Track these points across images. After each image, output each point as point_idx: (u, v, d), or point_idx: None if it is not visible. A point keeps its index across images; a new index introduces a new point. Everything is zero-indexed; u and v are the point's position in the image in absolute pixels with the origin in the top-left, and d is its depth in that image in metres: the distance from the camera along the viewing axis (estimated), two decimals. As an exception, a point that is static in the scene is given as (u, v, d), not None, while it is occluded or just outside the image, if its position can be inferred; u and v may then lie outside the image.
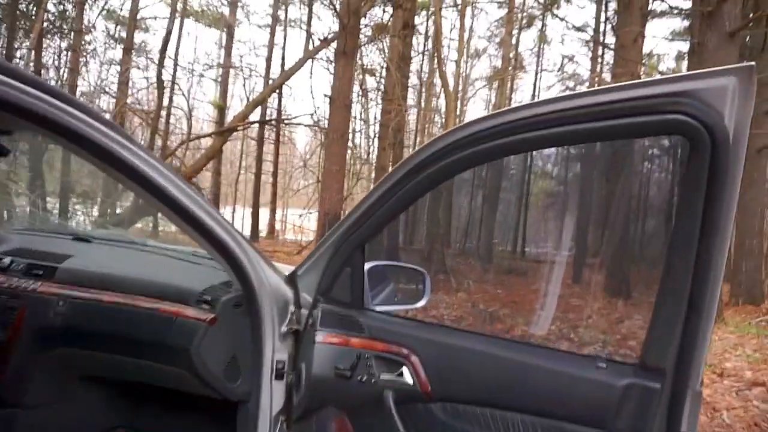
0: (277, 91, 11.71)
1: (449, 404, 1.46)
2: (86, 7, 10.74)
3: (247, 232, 16.23)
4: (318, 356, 1.53)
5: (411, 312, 2.17)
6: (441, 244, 9.65)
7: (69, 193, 8.04)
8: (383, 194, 1.45)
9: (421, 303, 1.87)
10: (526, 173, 10.75)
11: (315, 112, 9.88)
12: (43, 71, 10.42)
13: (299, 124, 10.82)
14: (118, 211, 8.41)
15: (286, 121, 11.69)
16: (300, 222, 10.67)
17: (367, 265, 1.63)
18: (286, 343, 1.58)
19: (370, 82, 13.02)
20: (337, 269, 1.59)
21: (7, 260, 1.98)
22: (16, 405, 1.88)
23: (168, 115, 11.69)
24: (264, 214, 17.51)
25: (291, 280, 1.64)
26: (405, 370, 1.48)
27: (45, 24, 9.85)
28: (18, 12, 9.98)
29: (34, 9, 9.89)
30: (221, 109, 13.77)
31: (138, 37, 12.08)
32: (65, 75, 10.46)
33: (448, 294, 7.72)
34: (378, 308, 1.65)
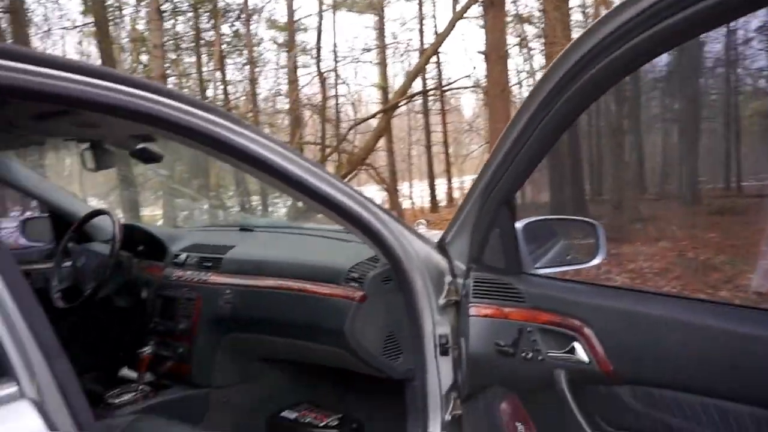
0: (434, 59, 11.58)
1: (641, 388, 1.16)
2: (252, 23, 11.78)
3: (426, 203, 16.56)
4: (475, 330, 1.39)
5: (583, 274, 1.86)
6: (634, 190, 8.69)
7: (234, 188, 8.97)
8: (525, 125, 1.19)
9: (596, 261, 1.57)
10: (731, 95, 9.10)
11: (472, 72, 9.49)
12: (230, 86, 11.78)
13: (459, 88, 10.56)
14: (277, 200, 9.12)
15: (444, 88, 11.51)
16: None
17: (519, 223, 1.41)
18: (446, 316, 1.46)
19: (530, 30, 12.17)
20: (484, 231, 1.41)
21: (183, 256, 2.17)
22: (208, 385, 2.06)
23: (336, 104, 12.32)
24: (441, 183, 17.67)
25: (441, 248, 1.51)
26: (577, 345, 1.23)
27: (223, 46, 10.99)
28: (201, 41, 11.39)
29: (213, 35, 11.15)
30: (383, 89, 14.07)
31: (299, 37, 12.89)
32: (246, 86, 11.66)
33: (647, 244, 6.89)
34: (540, 272, 1.43)
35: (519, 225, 1.42)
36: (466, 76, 9.71)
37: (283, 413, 2.10)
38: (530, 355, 1.29)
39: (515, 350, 1.31)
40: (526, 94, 1.32)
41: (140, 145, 1.77)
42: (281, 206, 8.79)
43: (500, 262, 1.41)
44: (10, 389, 0.69)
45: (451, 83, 10.87)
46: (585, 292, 1.29)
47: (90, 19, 10.28)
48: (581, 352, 1.22)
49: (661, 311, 1.13)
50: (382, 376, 1.78)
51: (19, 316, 0.72)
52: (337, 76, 11.82)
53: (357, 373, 1.88)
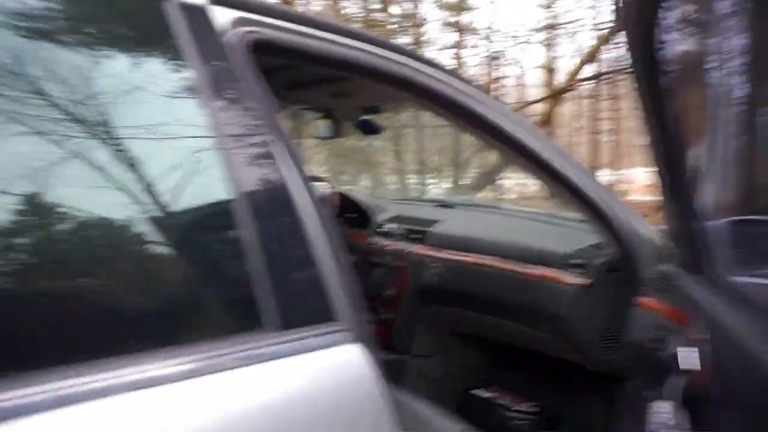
0: (610, 41, 10.73)
1: None
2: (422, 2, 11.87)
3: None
4: (635, 321, 1.38)
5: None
6: None
7: (424, 166, 9.08)
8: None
9: None
10: None
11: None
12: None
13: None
14: (466, 181, 9.09)
15: (624, 72, 10.61)
16: (652, 179, 9.56)
17: (721, 221, 1.24)
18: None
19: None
20: (676, 224, 1.28)
21: (389, 226, 2.25)
22: (406, 352, 2.12)
23: (500, 86, 12.05)
24: (604, 175, 16.50)
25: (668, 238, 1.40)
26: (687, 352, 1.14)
27: (394, 26, 11.24)
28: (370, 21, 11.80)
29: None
30: (550, 71, 13.39)
31: (468, 17, 12.74)
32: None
33: None
34: (736, 279, 1.24)
35: (719, 223, 1.24)
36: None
37: (475, 390, 2.10)
38: (662, 354, 1.22)
39: (655, 346, 1.25)
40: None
41: (364, 117, 1.87)
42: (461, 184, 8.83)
43: (686, 260, 1.28)
44: (342, 333, 0.74)
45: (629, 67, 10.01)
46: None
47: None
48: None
49: None
50: (591, 368, 1.70)
51: (335, 266, 0.78)
52: (503, 57, 11.52)
53: (556, 361, 1.82)
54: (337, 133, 1.82)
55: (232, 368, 0.64)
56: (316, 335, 0.72)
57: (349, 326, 0.75)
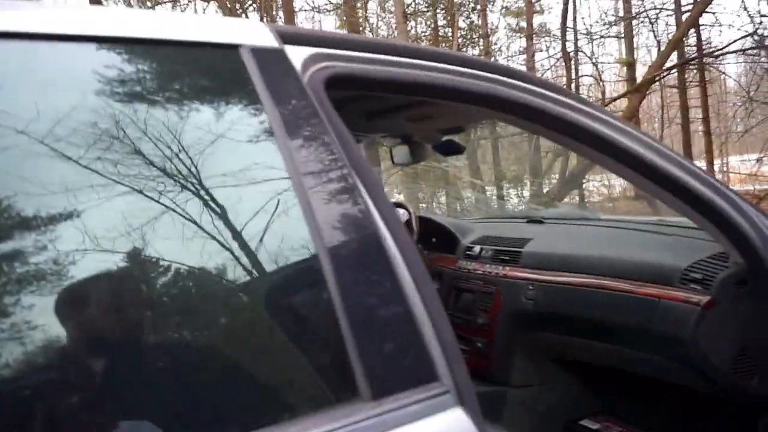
0: (695, 26, 10.01)
1: None
2: (488, 11, 11.68)
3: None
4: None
5: None
6: None
7: (502, 177, 8.83)
8: None
9: None
10: None
11: (756, 31, 7.87)
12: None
13: (737, 51, 8.84)
14: (545, 189, 8.75)
15: (716, 53, 9.83)
16: (755, 168, 8.76)
17: None
18: None
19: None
20: None
21: (477, 248, 2.14)
22: (505, 383, 1.99)
23: (577, 86, 11.56)
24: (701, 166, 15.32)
25: None
26: None
27: (459, 39, 11.15)
28: (439, 38, 11.75)
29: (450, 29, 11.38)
30: (630, 64, 12.71)
31: (537, 20, 12.39)
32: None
33: None
34: None
35: None
36: (750, 35, 8.06)
37: (582, 421, 1.93)
38: None
39: None
40: None
41: (445, 138, 1.78)
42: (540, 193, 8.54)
43: None
44: (444, 396, 0.66)
45: (722, 49, 9.23)
46: None
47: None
48: None
49: None
50: (722, 397, 1.50)
51: (430, 315, 0.69)
52: (579, 54, 11.05)
53: (675, 386, 1.63)
54: (416, 157, 1.75)
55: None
56: (416, 402, 0.63)
57: (450, 387, 0.66)
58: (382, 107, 1.39)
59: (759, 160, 8.19)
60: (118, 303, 0.62)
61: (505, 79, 1.01)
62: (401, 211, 2.30)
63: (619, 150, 1.15)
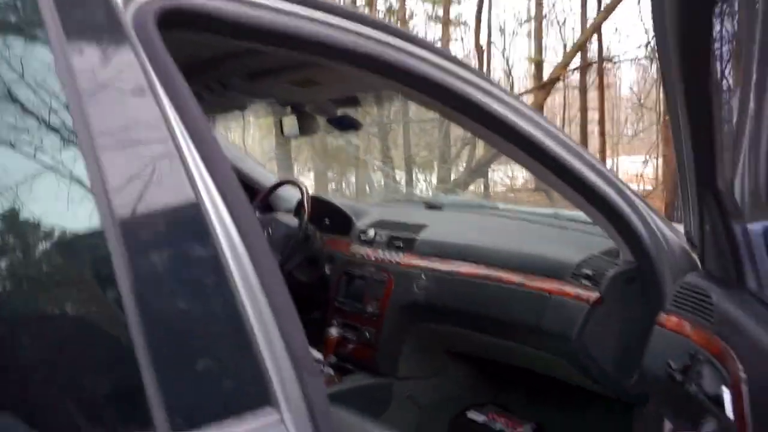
0: (597, 32, 10.58)
1: None
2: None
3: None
4: (654, 343, 1.17)
5: None
6: None
7: (411, 162, 8.86)
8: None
9: None
10: None
11: (648, 43, 8.44)
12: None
13: (633, 59, 9.46)
14: (453, 176, 8.89)
15: (615, 60, 10.45)
16: (640, 170, 9.43)
17: (756, 225, 1.04)
18: None
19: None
20: (698, 227, 1.09)
21: (371, 232, 2.01)
22: (393, 375, 1.90)
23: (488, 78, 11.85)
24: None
25: (691, 243, 1.21)
26: (726, 394, 0.93)
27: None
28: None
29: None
30: (538, 63, 13.23)
31: (454, 10, 12.50)
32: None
33: None
34: None
35: (756, 227, 1.06)
36: (645, 44, 8.61)
37: (469, 413, 1.89)
38: (693, 389, 1.01)
39: (684, 379, 1.03)
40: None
41: (341, 112, 1.63)
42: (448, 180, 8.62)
43: (721, 269, 1.08)
44: (272, 418, 0.50)
45: (620, 56, 9.84)
46: None
47: None
48: (727, 405, 0.93)
49: None
50: (600, 393, 1.49)
51: (273, 323, 0.53)
52: (491, 48, 11.30)
53: (555, 378, 1.63)
54: (306, 130, 1.57)
55: None
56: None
57: (287, 413, 0.50)
58: (264, 67, 1.21)
59: (645, 162, 8.82)
60: None
61: (398, 43, 0.87)
62: (293, 188, 2.13)
63: (519, 135, 1.06)
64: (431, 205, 2.14)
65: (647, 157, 8.93)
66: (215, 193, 0.54)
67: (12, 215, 0.47)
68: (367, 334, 1.88)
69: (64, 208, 0.48)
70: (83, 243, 0.47)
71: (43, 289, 0.49)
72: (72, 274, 0.50)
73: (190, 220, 0.51)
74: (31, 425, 0.44)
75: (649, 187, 9.27)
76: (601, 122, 15.53)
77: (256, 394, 0.49)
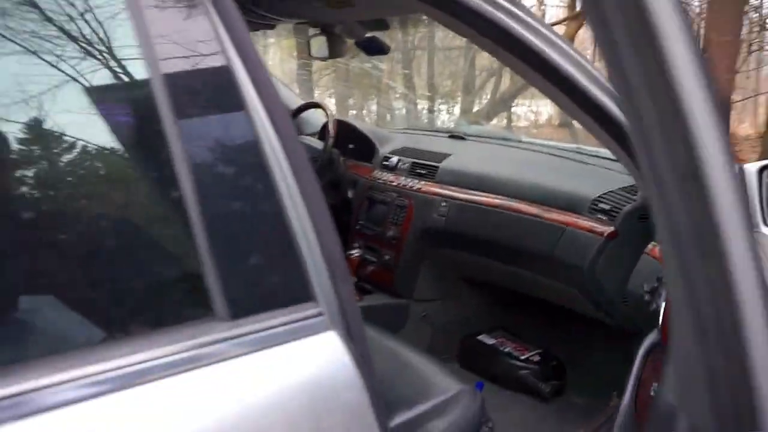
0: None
1: None
2: None
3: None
4: (637, 269, 1.29)
5: None
6: None
7: (434, 91, 8.69)
8: None
9: None
10: None
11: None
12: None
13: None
14: (476, 108, 8.72)
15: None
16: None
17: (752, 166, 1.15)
18: None
19: None
20: None
21: (394, 159, 2.04)
22: (409, 296, 1.99)
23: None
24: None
25: None
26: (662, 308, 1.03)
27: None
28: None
29: None
30: (574, -10, 12.55)
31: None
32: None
33: None
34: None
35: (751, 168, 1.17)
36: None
37: (479, 336, 1.99)
38: (654, 307, 1.08)
39: (650, 299, 1.11)
40: None
41: (369, 34, 1.61)
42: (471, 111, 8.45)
43: None
44: (316, 318, 0.57)
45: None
46: None
47: None
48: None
49: None
50: (609, 324, 1.56)
51: (312, 231, 0.59)
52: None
53: (563, 307, 1.70)
54: (334, 52, 1.57)
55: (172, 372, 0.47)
56: (282, 324, 0.54)
57: (326, 309, 0.57)
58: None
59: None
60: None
61: None
62: (319, 112, 2.15)
63: (548, 66, 1.06)
64: (454, 135, 2.15)
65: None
66: (262, 111, 0.58)
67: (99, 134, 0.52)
68: (387, 257, 1.96)
69: (139, 131, 0.53)
70: (160, 158, 0.52)
71: (126, 192, 0.55)
72: (148, 182, 0.55)
73: (242, 135, 0.56)
74: (115, 305, 0.51)
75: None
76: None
77: (300, 291, 0.55)
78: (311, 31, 1.67)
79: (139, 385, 0.46)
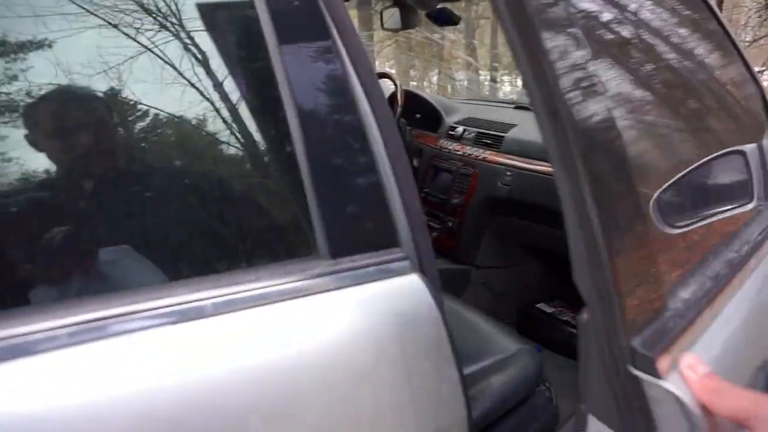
0: None
1: None
2: None
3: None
4: None
5: None
6: None
7: (497, 62, 8.51)
8: None
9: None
10: None
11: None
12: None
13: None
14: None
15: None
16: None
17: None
18: None
19: None
20: None
21: (460, 129, 2.09)
22: (471, 263, 2.05)
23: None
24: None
25: None
26: None
27: None
28: None
29: None
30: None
31: None
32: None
33: None
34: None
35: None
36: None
37: (538, 304, 2.03)
38: None
39: None
40: None
41: (440, 5, 1.65)
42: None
43: None
44: (402, 261, 0.65)
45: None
46: None
47: None
48: None
49: None
50: None
51: (396, 189, 0.67)
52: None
53: None
54: (406, 23, 1.62)
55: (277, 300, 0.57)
56: (374, 264, 0.62)
57: (410, 254, 0.65)
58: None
59: (761, 72, 7.96)
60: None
61: None
62: (387, 82, 2.21)
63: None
64: (520, 106, 2.16)
65: (764, 66, 8.04)
66: (357, 83, 0.66)
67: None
68: (450, 224, 2.02)
69: (259, 92, 0.63)
70: (274, 117, 0.62)
71: (242, 149, 0.65)
72: (267, 137, 0.65)
73: (345, 104, 0.64)
74: (233, 246, 0.62)
75: None
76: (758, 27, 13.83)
77: (388, 237, 0.64)
78: (383, 2, 1.72)
79: (258, 307, 0.56)
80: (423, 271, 0.66)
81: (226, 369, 0.52)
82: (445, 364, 0.63)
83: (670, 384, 0.52)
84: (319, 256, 0.61)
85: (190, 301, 0.53)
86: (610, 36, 0.79)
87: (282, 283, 0.58)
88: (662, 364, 0.54)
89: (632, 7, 0.97)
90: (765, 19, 8.66)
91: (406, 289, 0.63)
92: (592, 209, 0.53)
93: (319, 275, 0.59)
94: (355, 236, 0.62)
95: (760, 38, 8.90)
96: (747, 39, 9.80)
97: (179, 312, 0.52)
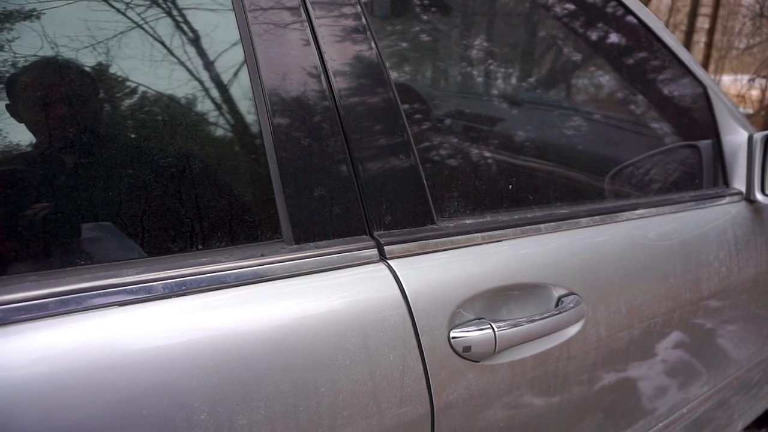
0: None
1: None
2: None
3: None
4: None
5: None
6: None
7: (491, 57, 8.48)
8: None
9: None
10: None
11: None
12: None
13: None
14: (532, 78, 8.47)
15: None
16: (743, 90, 8.58)
17: (759, 135, 1.17)
18: None
19: None
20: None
21: (447, 122, 2.06)
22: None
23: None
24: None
25: None
26: None
27: None
28: None
29: None
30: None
31: None
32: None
33: None
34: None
35: (757, 136, 1.19)
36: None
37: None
38: None
39: None
40: None
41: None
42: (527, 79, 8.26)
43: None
44: (369, 250, 0.63)
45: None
46: None
47: None
48: None
49: None
50: None
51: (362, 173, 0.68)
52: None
53: None
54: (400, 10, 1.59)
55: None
56: (337, 252, 0.62)
57: (376, 242, 0.64)
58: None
59: (752, 80, 8.01)
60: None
61: None
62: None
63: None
64: (514, 102, 2.13)
65: (755, 74, 8.08)
66: (326, 65, 0.66)
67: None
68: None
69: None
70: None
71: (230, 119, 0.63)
72: (233, 120, 0.63)
73: (313, 85, 0.63)
74: (199, 223, 0.59)
75: (749, 110, 8.47)
76: (711, 31, 13.95)
77: (355, 224, 0.63)
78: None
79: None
80: (390, 259, 0.64)
81: (175, 353, 0.50)
82: (409, 357, 0.61)
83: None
84: (283, 241, 0.59)
85: (140, 282, 0.51)
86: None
87: (241, 267, 0.55)
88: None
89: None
90: (758, 27, 8.69)
91: (371, 278, 0.61)
92: None
93: (281, 261, 0.57)
94: (320, 222, 0.60)
95: (753, 46, 8.94)
96: (741, 47, 9.85)
97: (127, 291, 0.49)
